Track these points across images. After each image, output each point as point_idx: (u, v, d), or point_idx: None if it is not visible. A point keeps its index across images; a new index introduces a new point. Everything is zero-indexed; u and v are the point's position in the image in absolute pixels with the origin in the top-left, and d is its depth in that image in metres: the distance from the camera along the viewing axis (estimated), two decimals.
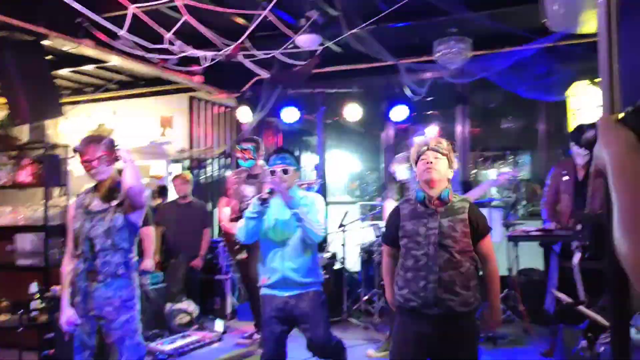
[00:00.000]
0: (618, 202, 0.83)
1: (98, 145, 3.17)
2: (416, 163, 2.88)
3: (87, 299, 3.18)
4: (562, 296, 2.81)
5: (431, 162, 2.78)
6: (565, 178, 4.45)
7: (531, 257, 5.98)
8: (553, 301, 4.13)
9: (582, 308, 2.63)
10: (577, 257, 2.98)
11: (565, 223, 4.46)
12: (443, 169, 2.82)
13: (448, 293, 2.71)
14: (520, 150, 10.35)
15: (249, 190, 5.21)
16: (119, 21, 4.06)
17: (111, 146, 3.21)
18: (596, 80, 5.25)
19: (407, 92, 6.06)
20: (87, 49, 5.30)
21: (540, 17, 4.62)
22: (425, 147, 2.82)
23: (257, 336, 5.33)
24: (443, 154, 2.82)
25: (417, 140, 2.96)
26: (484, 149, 9.43)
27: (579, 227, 3.62)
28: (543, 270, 5.71)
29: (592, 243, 3.26)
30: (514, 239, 5.09)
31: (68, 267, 3.27)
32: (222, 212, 5.53)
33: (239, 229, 3.51)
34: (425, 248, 2.76)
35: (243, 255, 5.27)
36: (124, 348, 3.17)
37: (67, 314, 3.21)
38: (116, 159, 3.23)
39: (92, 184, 3.36)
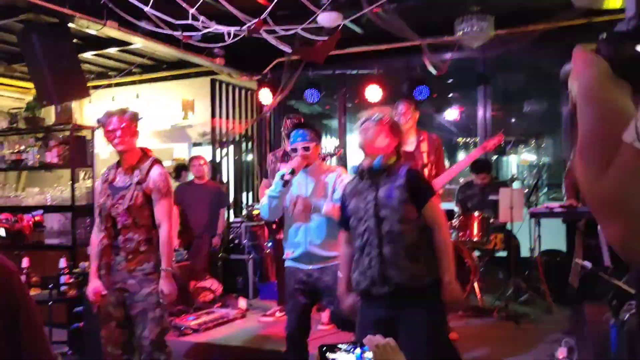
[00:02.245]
0: (580, 129, 0.79)
1: (121, 116, 3.24)
2: (360, 127, 2.80)
3: (111, 272, 3.27)
4: (586, 263, 2.79)
5: (367, 131, 2.70)
6: None
7: (554, 237, 5.95)
8: (577, 276, 4.11)
9: (606, 275, 2.61)
10: None
11: None
12: (379, 141, 2.68)
13: (393, 268, 2.53)
14: (543, 134, 10.23)
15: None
16: (141, 4, 4.13)
17: (134, 118, 3.28)
18: None
19: (431, 69, 6.01)
20: (111, 30, 5.37)
21: None
22: (364, 118, 2.75)
23: (279, 314, 5.42)
24: (380, 123, 2.69)
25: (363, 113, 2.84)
26: (506, 133, 9.33)
27: None
28: (565, 250, 5.69)
29: None
30: (537, 216, 5.05)
31: (96, 239, 3.35)
32: (264, 190, 5.67)
33: (262, 207, 3.55)
34: (366, 222, 2.61)
35: (280, 235, 5.36)
36: (147, 320, 3.23)
37: (94, 285, 3.30)
38: (138, 132, 3.30)
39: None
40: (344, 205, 2.81)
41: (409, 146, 4.43)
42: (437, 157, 4.42)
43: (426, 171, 4.36)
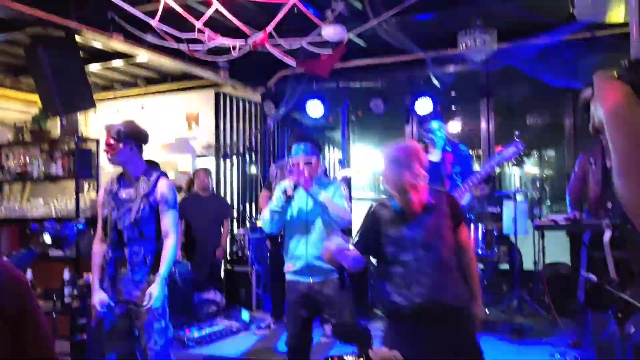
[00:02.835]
0: (615, 151, 0.84)
1: (108, 131, 3.25)
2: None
3: (116, 284, 3.26)
4: (592, 276, 2.79)
5: (405, 189, 2.64)
6: (594, 166, 4.38)
7: (558, 250, 5.94)
8: (583, 288, 4.10)
9: (611, 288, 2.61)
10: (607, 235, 2.93)
11: (594, 213, 4.40)
12: (421, 191, 2.67)
13: (442, 294, 2.62)
14: (546, 146, 10.23)
15: None
16: (148, 17, 4.18)
17: (119, 134, 3.21)
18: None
19: (435, 81, 6.05)
20: (117, 43, 5.42)
21: (568, 6, 4.60)
22: (395, 173, 2.65)
23: (274, 326, 5.47)
24: (420, 184, 2.65)
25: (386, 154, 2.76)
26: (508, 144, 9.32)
27: (609, 205, 3.59)
28: (570, 262, 5.67)
29: (623, 221, 3.21)
30: (541, 228, 5.03)
31: (98, 250, 3.34)
32: (265, 202, 5.65)
33: (263, 221, 3.56)
34: (414, 251, 2.64)
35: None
36: (152, 331, 3.22)
37: (99, 296, 3.28)
38: (131, 146, 3.26)
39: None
40: (375, 230, 2.76)
41: (435, 157, 4.51)
42: (463, 169, 4.53)
43: (449, 182, 4.45)
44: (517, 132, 4.71)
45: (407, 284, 2.64)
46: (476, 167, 9.31)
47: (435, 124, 4.88)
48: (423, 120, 4.95)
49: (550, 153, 9.85)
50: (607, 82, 0.91)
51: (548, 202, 8.85)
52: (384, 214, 2.76)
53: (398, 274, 2.67)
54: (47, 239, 2.99)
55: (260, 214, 5.79)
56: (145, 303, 3.15)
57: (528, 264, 6.01)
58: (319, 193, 3.36)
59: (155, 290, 3.16)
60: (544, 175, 9.78)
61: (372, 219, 2.82)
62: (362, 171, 10.10)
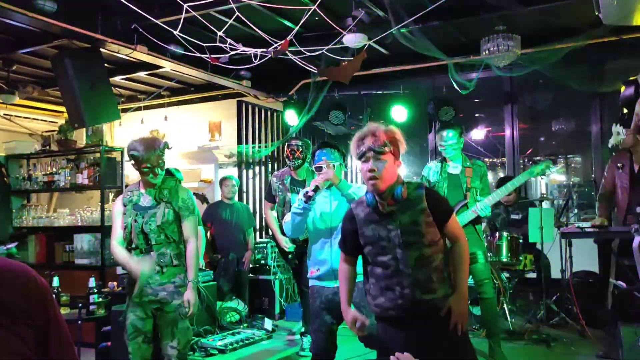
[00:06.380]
0: None
1: (155, 151, 3.35)
2: (359, 159, 2.51)
3: (143, 287, 3.35)
4: (621, 283, 2.71)
5: (373, 169, 2.44)
6: (621, 170, 4.30)
7: (585, 258, 5.81)
8: (612, 297, 3.99)
9: None
10: (637, 241, 2.84)
11: (623, 218, 4.30)
12: (389, 170, 2.47)
13: (427, 292, 2.49)
14: (572, 152, 10.06)
15: (295, 198, 5.24)
16: (170, 28, 4.23)
17: (164, 151, 3.43)
18: None
19: (456, 87, 6.00)
20: (141, 55, 5.50)
21: (593, 10, 4.53)
22: (364, 149, 2.45)
23: (297, 335, 5.44)
24: (385, 152, 2.45)
25: (357, 134, 2.52)
26: (533, 152, 9.23)
27: (638, 209, 3.50)
28: (598, 271, 5.55)
29: None
30: (568, 236, 4.93)
31: (119, 247, 3.44)
32: (269, 214, 5.59)
33: (285, 224, 3.55)
34: (391, 252, 2.51)
35: (295, 261, 5.33)
36: (176, 330, 3.37)
37: None
38: (164, 159, 3.46)
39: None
40: (353, 230, 2.65)
41: (455, 169, 4.51)
42: (483, 184, 4.54)
43: (469, 195, 4.46)
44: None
45: (388, 285, 2.53)
46: (500, 174, 9.25)
47: (452, 134, 4.69)
48: (442, 130, 4.74)
49: (577, 159, 9.67)
50: None
51: (575, 210, 8.68)
52: (359, 212, 2.62)
53: (380, 275, 2.56)
54: None
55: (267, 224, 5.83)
56: (186, 310, 3.34)
57: (555, 273, 5.89)
58: (348, 187, 3.35)
59: (192, 297, 3.37)
60: (571, 182, 9.62)
61: (348, 218, 2.69)
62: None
